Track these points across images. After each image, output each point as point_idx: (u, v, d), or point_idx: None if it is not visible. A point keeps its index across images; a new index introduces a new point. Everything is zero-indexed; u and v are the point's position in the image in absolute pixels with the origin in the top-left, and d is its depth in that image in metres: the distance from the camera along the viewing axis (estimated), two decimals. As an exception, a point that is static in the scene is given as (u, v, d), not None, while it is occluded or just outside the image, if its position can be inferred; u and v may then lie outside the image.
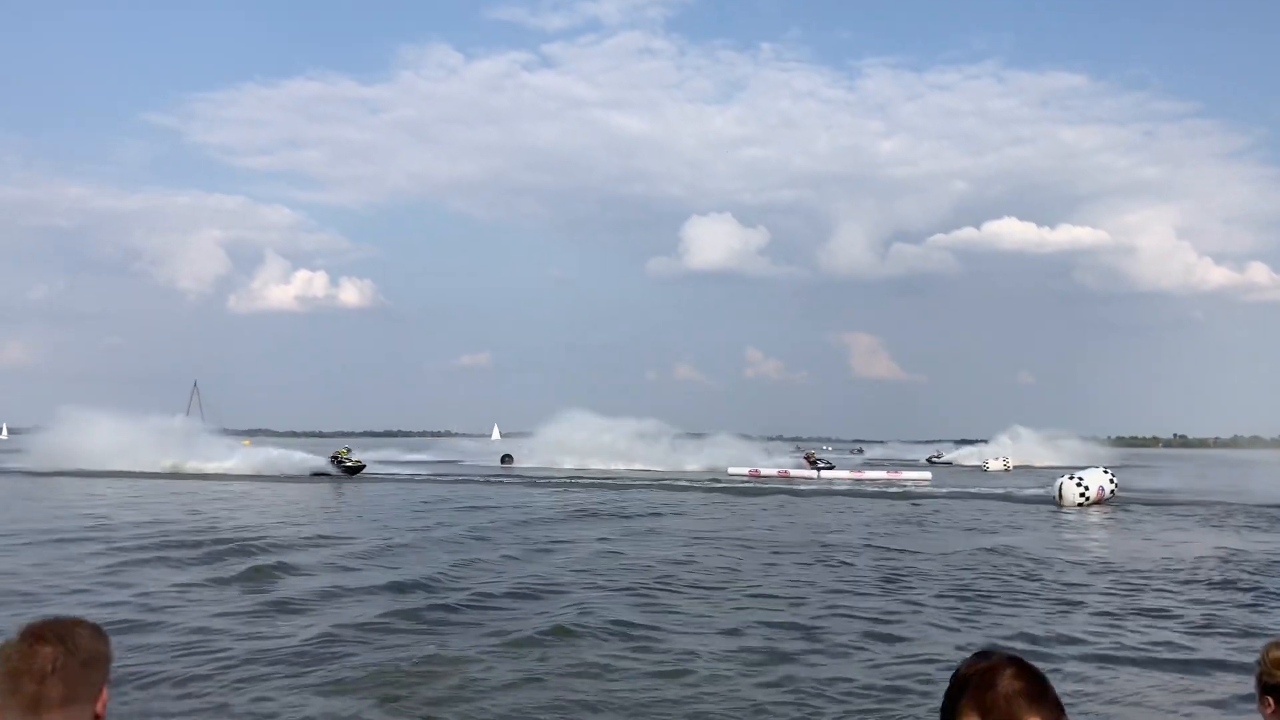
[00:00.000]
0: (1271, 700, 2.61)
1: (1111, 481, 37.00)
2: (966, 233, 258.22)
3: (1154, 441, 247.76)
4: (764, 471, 59.42)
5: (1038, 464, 75.78)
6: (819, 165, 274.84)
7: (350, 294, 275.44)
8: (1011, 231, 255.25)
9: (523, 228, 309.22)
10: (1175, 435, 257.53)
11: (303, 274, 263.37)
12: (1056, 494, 36.27)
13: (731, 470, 60.89)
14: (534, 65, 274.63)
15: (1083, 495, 35.57)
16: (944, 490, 45.30)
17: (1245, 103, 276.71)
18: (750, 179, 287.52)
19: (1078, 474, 37.38)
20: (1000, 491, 43.99)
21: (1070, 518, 31.67)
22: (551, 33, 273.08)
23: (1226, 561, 20.12)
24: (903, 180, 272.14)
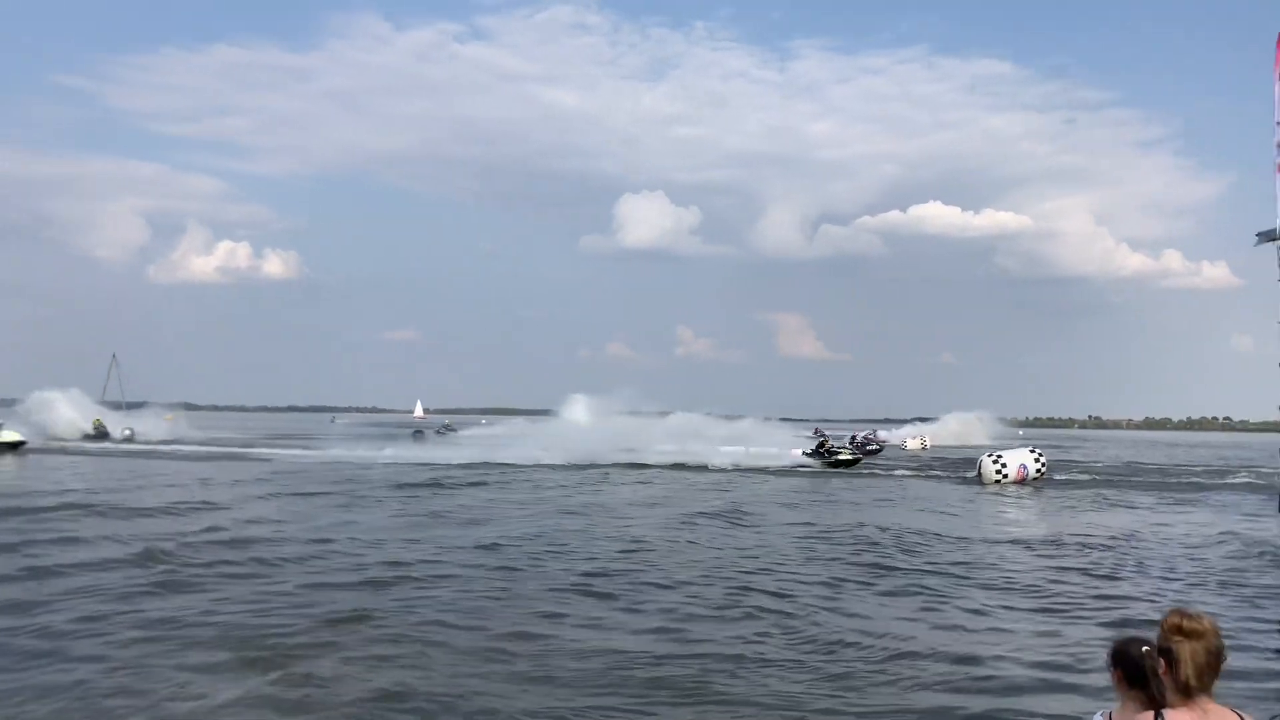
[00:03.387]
0: (1163, 662, 2.96)
1: (1037, 461, 36.84)
2: (893, 215, 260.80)
3: (1070, 423, 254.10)
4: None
5: (970, 442, 76.39)
6: (751, 145, 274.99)
7: (275, 266, 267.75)
8: (937, 215, 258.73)
9: (454, 201, 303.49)
10: (1091, 417, 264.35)
11: (226, 245, 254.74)
12: (978, 471, 36.87)
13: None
14: (466, 37, 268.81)
15: (1000, 474, 35.76)
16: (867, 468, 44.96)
17: (1162, 94, 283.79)
18: (683, 158, 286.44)
19: (998, 453, 37.58)
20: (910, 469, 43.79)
21: (967, 494, 31.67)
22: (484, 4, 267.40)
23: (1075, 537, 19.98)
24: (832, 162, 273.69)
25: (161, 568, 14.08)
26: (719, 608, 12.04)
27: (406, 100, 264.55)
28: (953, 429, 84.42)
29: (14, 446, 45.83)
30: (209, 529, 18.26)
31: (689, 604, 12.30)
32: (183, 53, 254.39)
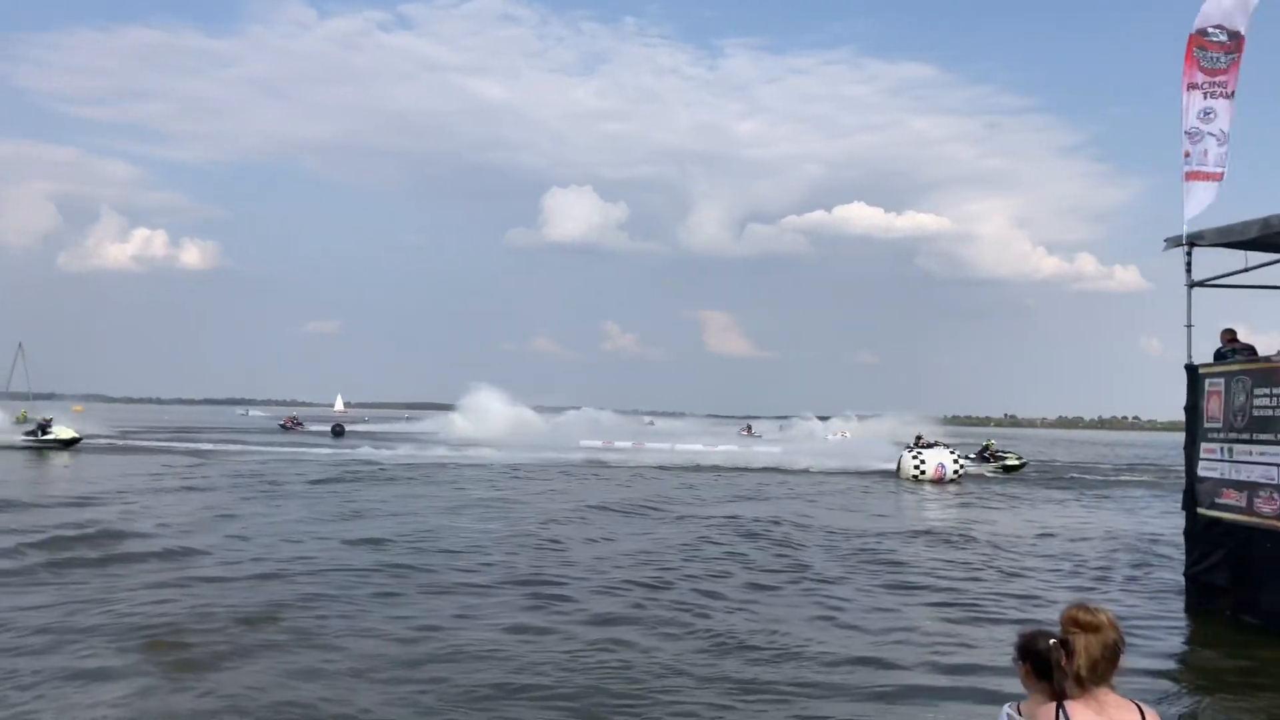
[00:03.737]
0: (1063, 654, 2.99)
1: (956, 462, 37.44)
2: (818, 215, 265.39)
3: (986, 421, 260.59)
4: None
5: (894, 439, 77.70)
6: (679, 142, 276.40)
7: (192, 255, 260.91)
8: (860, 216, 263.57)
9: (378, 192, 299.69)
10: (1006, 415, 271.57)
11: (142, 232, 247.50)
12: (896, 467, 37.38)
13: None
14: (391, 25, 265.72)
15: (918, 470, 36.28)
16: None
17: (1080, 101, 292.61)
18: (611, 153, 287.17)
19: (918, 451, 38.12)
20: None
21: (882, 490, 32.10)
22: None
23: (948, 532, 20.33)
24: (760, 161, 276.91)
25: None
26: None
27: (330, 88, 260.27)
28: (876, 426, 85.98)
29: (69, 443, 43.09)
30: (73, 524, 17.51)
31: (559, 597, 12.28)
32: (97, 33, 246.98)
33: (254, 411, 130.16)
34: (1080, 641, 3.01)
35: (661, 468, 41.18)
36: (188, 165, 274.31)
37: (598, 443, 57.94)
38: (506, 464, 39.26)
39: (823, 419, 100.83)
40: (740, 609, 11.93)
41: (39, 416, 46.22)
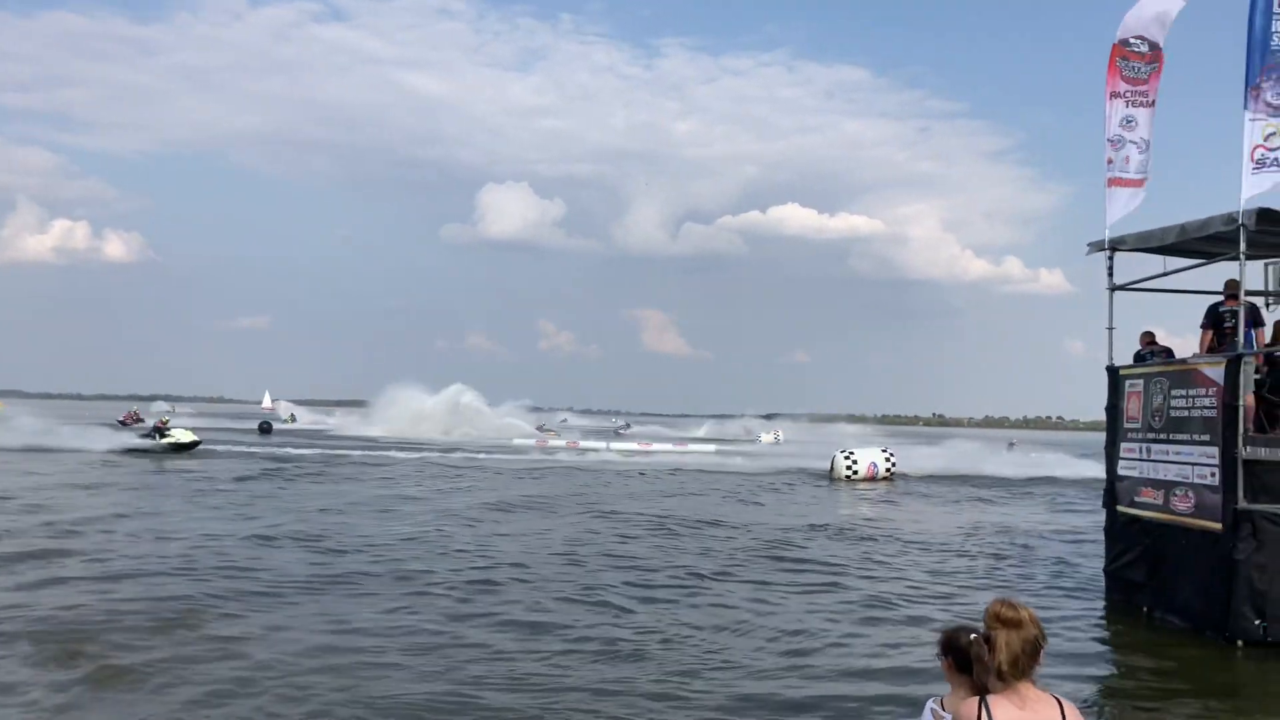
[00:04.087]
0: (986, 648, 3.08)
1: (888, 460, 37.86)
2: (753, 216, 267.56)
3: (915, 420, 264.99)
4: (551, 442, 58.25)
5: (826, 438, 78.59)
6: (616, 141, 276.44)
7: (116, 247, 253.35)
8: (795, 217, 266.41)
9: (311, 185, 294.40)
10: (935, 415, 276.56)
11: (62, 224, 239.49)
12: (830, 467, 37.63)
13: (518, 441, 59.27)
14: (324, 17, 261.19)
15: (850, 470, 36.64)
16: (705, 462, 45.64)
17: (1008, 107, 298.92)
18: (548, 150, 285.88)
19: (850, 450, 38.52)
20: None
21: (815, 490, 32.41)
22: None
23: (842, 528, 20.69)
24: (696, 161, 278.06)
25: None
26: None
27: (261, 79, 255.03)
28: (808, 426, 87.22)
29: (188, 447, 40.07)
30: None
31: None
32: (16, 17, 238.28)
33: (181, 408, 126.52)
34: (1002, 637, 3.06)
35: (577, 469, 41.07)
36: (111, 155, 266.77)
37: (530, 441, 57.74)
38: (419, 460, 38.78)
39: (767, 418, 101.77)
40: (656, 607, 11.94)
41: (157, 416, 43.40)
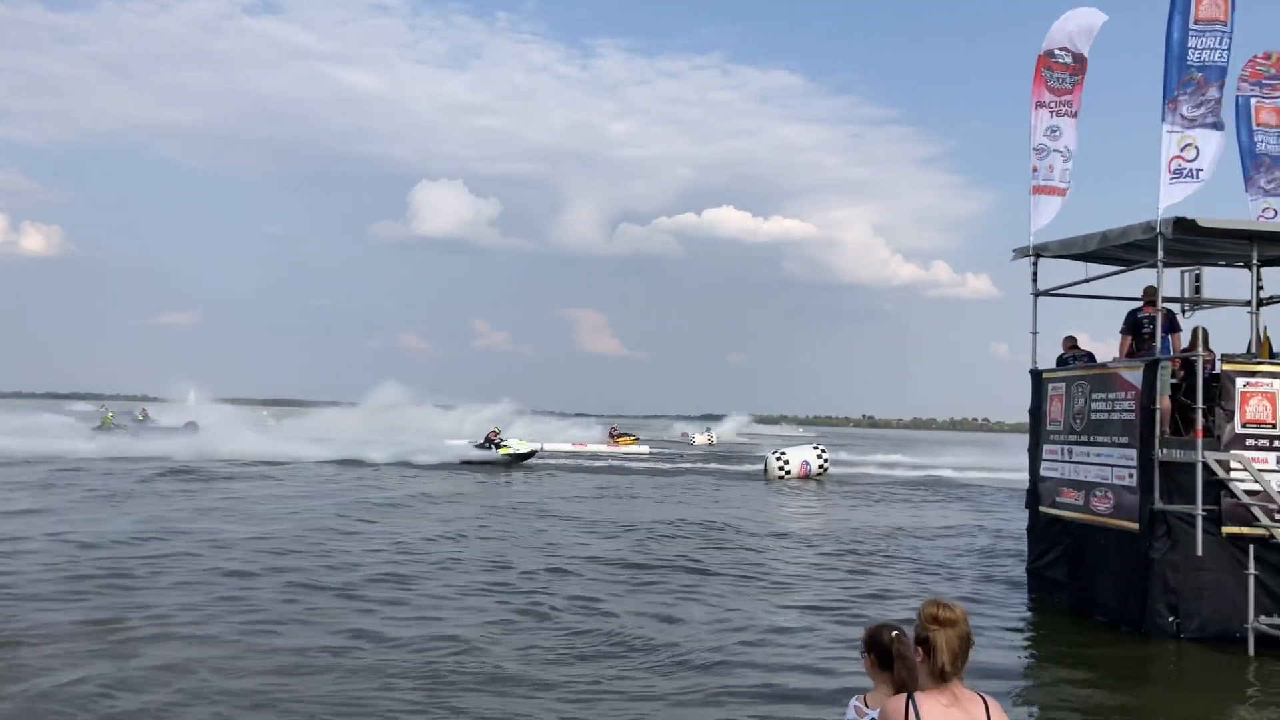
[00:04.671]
0: (920, 650, 3.13)
1: (820, 458, 38.29)
2: (689, 217, 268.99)
3: (845, 421, 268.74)
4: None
5: (757, 439, 79.39)
6: (552, 140, 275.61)
7: (35, 241, 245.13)
8: (729, 219, 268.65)
9: (239, 180, 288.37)
10: (864, 416, 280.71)
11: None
12: (764, 467, 38.01)
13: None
14: (256, 9, 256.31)
15: (783, 469, 37.04)
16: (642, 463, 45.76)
17: (938, 114, 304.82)
18: (483, 148, 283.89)
19: (783, 450, 38.92)
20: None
21: (747, 489, 32.64)
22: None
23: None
24: (632, 162, 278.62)
25: None
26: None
27: (189, 71, 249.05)
28: (744, 425, 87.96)
29: (525, 457, 38.48)
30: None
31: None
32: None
33: (80, 406, 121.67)
34: (941, 637, 3.12)
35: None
36: (29, 145, 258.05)
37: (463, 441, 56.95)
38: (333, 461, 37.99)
39: (717, 418, 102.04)
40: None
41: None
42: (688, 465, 44.86)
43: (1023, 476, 14.07)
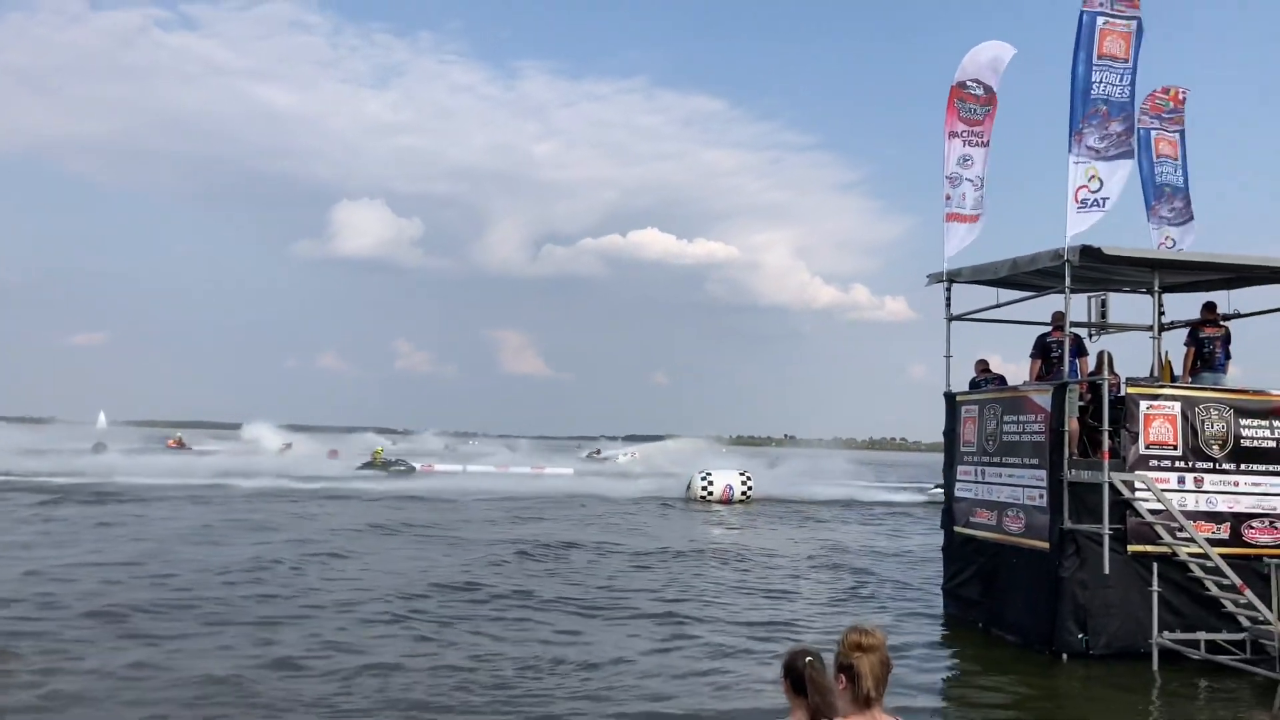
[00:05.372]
0: (844, 677, 3.13)
1: (744, 482, 38.29)
2: (613, 239, 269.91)
3: (768, 441, 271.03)
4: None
5: (682, 460, 79.18)
6: (476, 160, 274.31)
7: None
8: (654, 241, 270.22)
9: (152, 197, 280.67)
10: (786, 436, 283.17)
11: None
12: (686, 488, 38.04)
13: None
14: (172, 24, 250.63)
15: (706, 491, 37.08)
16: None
17: (857, 141, 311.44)
18: (405, 167, 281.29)
19: (709, 471, 38.88)
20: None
21: (668, 511, 32.75)
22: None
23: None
24: (556, 183, 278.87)
25: None
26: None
27: (102, 85, 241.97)
28: (667, 447, 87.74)
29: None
30: None
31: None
32: None
33: None
34: (864, 663, 3.14)
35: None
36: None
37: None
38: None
39: (657, 439, 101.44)
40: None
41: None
42: (613, 486, 44.62)
43: (938, 496, 14.31)
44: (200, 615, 12.03)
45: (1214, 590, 10.56)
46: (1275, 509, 11.13)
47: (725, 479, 38.14)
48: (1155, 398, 11.17)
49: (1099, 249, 11.05)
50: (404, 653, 10.47)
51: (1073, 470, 10.98)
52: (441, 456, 68.51)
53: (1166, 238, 14.63)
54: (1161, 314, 13.55)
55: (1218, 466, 11.08)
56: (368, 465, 46.57)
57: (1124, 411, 11.05)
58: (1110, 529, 10.60)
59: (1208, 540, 10.68)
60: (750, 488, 38.09)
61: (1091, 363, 12.17)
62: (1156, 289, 12.80)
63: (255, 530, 21.66)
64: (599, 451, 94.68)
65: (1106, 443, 10.76)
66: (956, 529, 13.39)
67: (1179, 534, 10.69)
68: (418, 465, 53.13)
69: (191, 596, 13.21)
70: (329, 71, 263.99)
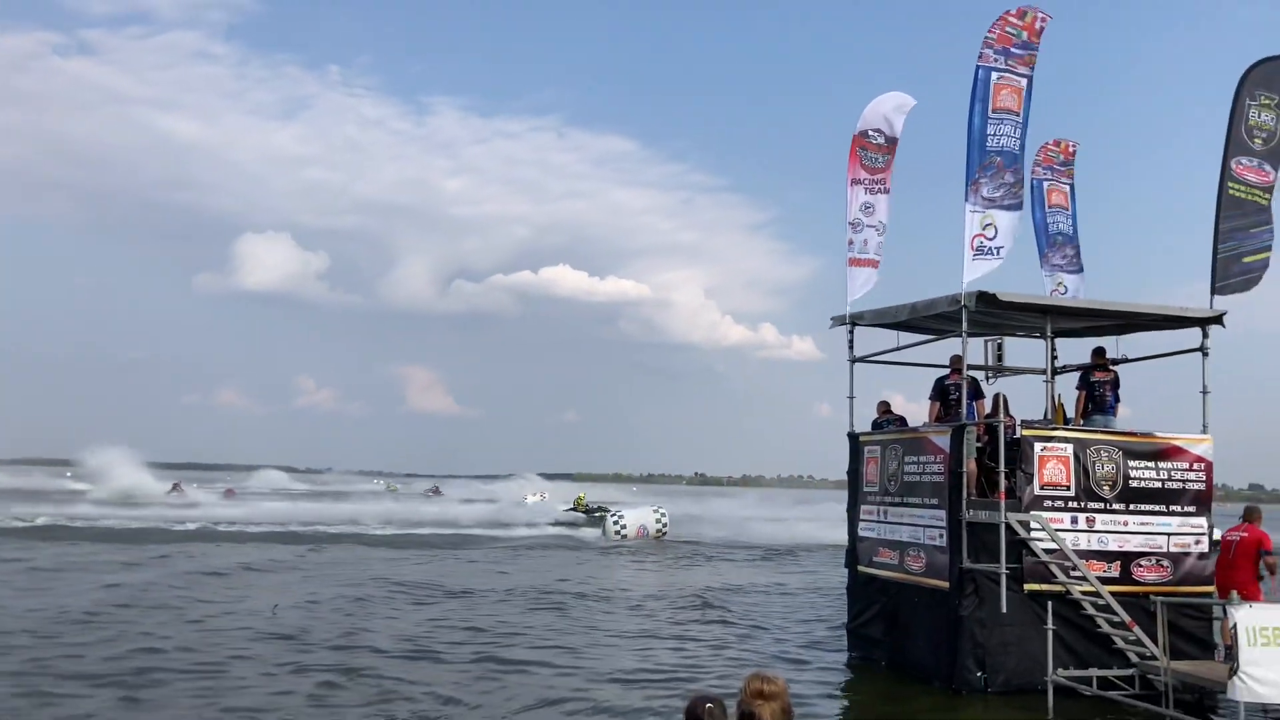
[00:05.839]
0: None
1: (659, 521, 37.95)
2: (525, 276, 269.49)
3: (679, 479, 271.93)
4: None
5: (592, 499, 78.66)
6: (384, 195, 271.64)
7: None
8: (566, 278, 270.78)
9: (45, 227, 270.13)
10: (696, 474, 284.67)
11: None
12: (601, 529, 37.82)
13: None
14: (69, 50, 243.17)
15: (619, 532, 36.83)
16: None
17: (764, 184, 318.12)
18: (312, 200, 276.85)
19: (621, 511, 38.67)
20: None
21: (581, 554, 32.45)
22: (93, 17, 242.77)
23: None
24: (467, 219, 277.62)
25: None
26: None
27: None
28: (578, 486, 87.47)
29: None
30: None
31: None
32: None
33: None
34: (765, 711, 3.16)
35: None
36: None
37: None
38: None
39: (537, 477, 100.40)
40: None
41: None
42: (520, 527, 44.08)
43: (843, 535, 14.42)
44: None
45: (1105, 627, 10.83)
46: (1162, 548, 11.51)
47: (639, 519, 37.86)
48: (1049, 440, 11.49)
49: (994, 295, 11.38)
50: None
51: (971, 510, 11.21)
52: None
53: (1059, 284, 15.15)
54: (1054, 358, 13.96)
55: (1108, 506, 11.43)
56: (571, 510, 49.06)
57: (1020, 453, 11.32)
58: (1007, 568, 10.83)
59: (1099, 578, 10.98)
60: (665, 525, 37.82)
61: (988, 405, 12.47)
62: (1049, 334, 13.21)
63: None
64: (436, 489, 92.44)
65: (1003, 483, 11.02)
66: (860, 568, 13.53)
67: (1072, 573, 10.96)
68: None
69: None
70: (234, 103, 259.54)
